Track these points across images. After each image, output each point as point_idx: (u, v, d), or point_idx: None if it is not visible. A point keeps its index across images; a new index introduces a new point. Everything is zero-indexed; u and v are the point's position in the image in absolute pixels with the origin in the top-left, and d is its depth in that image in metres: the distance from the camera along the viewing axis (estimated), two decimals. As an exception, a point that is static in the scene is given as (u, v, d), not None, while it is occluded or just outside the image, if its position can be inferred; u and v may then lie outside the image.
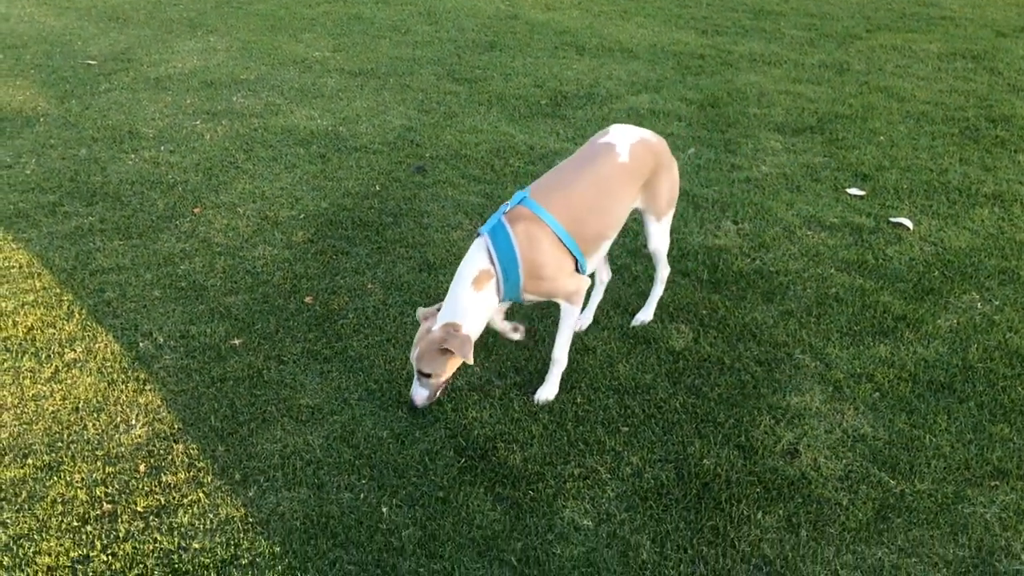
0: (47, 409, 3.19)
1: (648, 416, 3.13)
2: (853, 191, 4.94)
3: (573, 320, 3.15)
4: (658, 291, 3.69)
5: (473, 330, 2.95)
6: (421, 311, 3.10)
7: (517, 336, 3.31)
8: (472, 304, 2.94)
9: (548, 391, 3.22)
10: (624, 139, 3.23)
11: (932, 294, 3.88)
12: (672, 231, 4.40)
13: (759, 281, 4.00)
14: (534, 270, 2.96)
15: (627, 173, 3.19)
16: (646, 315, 3.69)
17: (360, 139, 5.78)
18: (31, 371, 3.40)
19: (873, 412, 3.15)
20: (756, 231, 4.47)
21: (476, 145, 5.64)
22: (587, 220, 3.07)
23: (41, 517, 2.71)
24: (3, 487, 2.82)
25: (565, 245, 3.01)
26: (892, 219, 4.58)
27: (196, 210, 4.75)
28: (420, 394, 3.04)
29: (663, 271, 3.63)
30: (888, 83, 6.92)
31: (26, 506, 2.75)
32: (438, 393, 3.07)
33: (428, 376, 2.98)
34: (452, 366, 3.00)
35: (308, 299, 3.89)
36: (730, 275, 4.05)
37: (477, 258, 2.96)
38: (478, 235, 3.03)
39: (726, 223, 4.56)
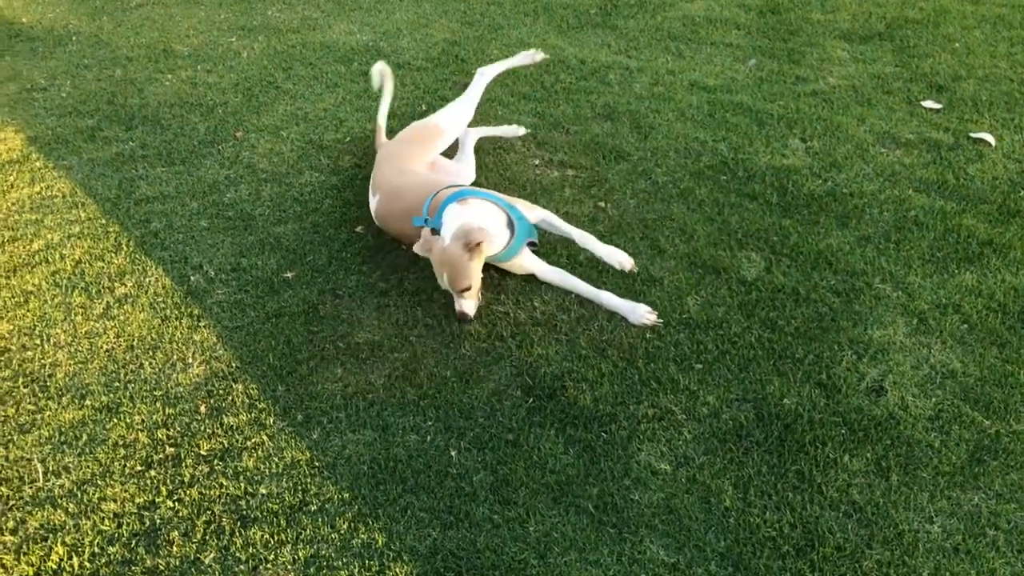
0: (101, 347, 3.12)
1: (722, 352, 2.98)
2: (928, 104, 4.64)
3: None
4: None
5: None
6: (418, 246, 3.14)
7: (629, 266, 3.27)
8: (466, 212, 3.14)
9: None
10: None
11: (1019, 216, 3.64)
12: (736, 150, 4.20)
13: (832, 204, 3.77)
14: None
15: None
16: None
17: (402, 55, 5.52)
18: (82, 307, 3.32)
19: (962, 346, 2.97)
20: (826, 149, 4.21)
21: (524, 59, 5.36)
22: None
23: (104, 461, 2.65)
24: (63, 429, 2.77)
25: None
26: (972, 134, 4.29)
27: (238, 134, 4.59)
28: (469, 305, 3.09)
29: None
30: (960, -17, 6.47)
31: (87, 450, 2.69)
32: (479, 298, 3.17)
33: (468, 289, 3.05)
34: (479, 268, 3.09)
35: (359, 228, 3.74)
36: (801, 198, 3.82)
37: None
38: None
39: (794, 141, 4.30)
